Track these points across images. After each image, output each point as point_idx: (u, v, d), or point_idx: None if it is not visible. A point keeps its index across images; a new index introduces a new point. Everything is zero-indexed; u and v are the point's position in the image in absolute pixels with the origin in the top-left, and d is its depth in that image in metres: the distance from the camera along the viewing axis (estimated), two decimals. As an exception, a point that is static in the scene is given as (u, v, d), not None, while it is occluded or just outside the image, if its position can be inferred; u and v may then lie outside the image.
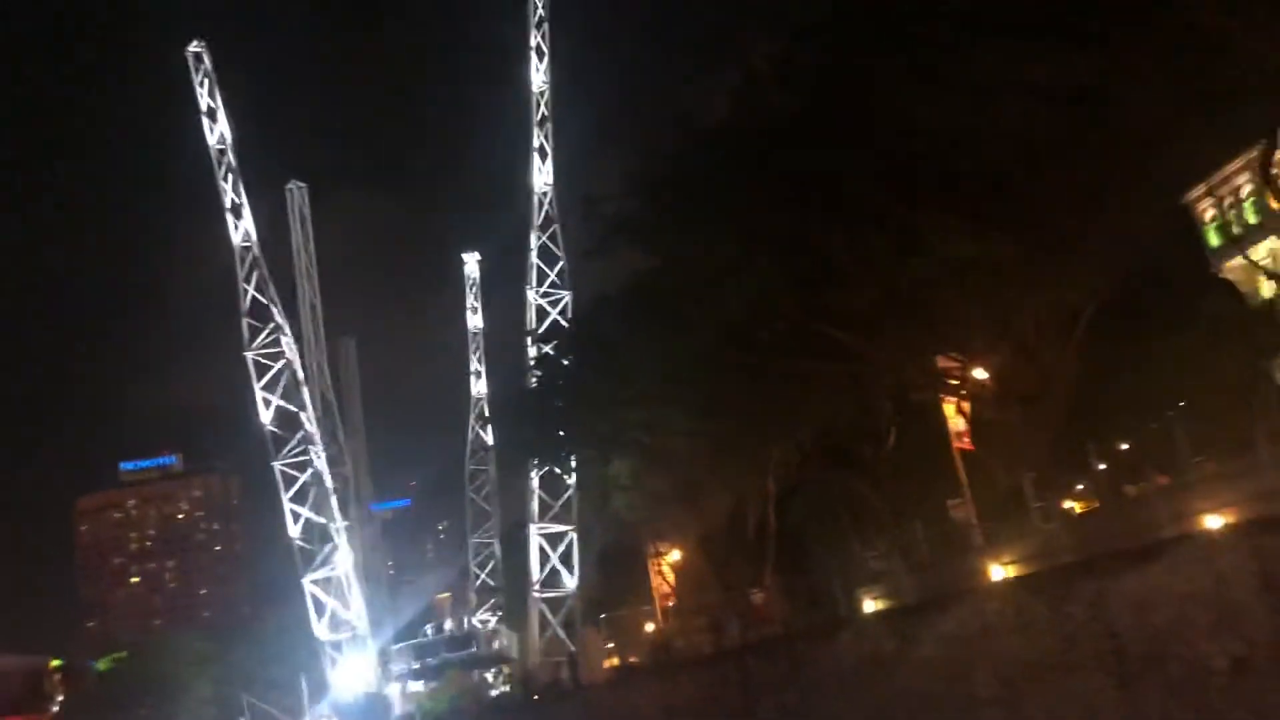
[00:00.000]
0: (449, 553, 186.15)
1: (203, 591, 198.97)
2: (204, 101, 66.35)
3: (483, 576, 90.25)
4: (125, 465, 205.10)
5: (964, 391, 35.57)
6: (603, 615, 75.82)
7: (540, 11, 67.80)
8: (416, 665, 63.86)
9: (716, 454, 46.00)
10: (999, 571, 27.78)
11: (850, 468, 43.44)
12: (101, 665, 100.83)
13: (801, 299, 30.68)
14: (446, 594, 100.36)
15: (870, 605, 34.05)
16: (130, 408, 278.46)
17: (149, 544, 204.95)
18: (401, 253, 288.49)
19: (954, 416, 37.38)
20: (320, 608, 65.71)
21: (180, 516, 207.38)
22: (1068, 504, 32.20)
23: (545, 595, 69.67)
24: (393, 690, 67.13)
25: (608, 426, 47.23)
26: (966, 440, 37.32)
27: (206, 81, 66.49)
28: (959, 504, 37.57)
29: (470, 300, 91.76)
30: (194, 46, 66.88)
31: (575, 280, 67.40)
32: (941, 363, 36.05)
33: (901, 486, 41.06)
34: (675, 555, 61.17)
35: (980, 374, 34.13)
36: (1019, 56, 25.95)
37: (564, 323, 62.42)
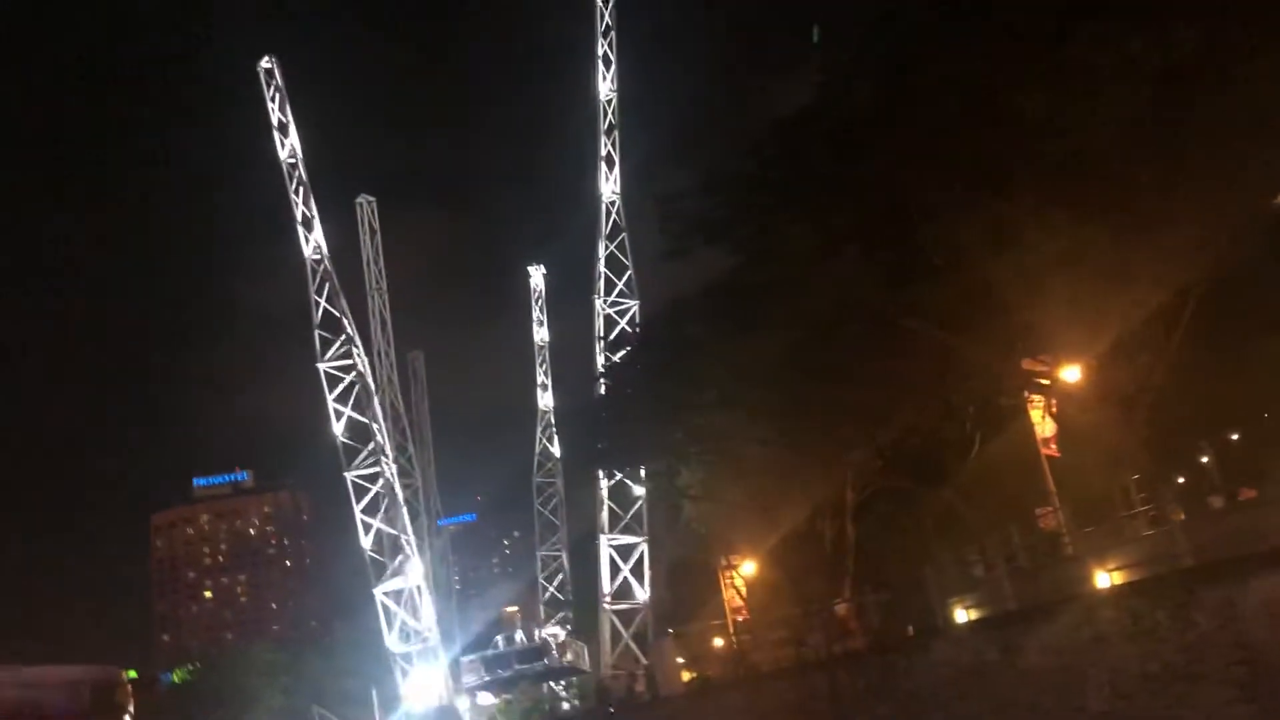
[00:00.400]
0: (514, 567, 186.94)
1: (273, 606, 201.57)
2: (275, 116, 67.09)
3: (551, 589, 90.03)
4: (198, 481, 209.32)
5: (1051, 394, 34.24)
6: (669, 630, 74.97)
7: (607, 20, 67.70)
8: (487, 677, 63.40)
9: (792, 463, 45.03)
10: (1104, 578, 26.35)
11: (932, 476, 42.10)
12: (176, 676, 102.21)
13: (888, 294, 29.59)
14: (514, 607, 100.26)
15: (964, 615, 32.68)
16: (203, 424, 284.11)
17: (221, 559, 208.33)
18: (467, 267, 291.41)
19: (1040, 421, 36.01)
20: (391, 619, 65.63)
21: (251, 532, 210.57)
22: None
23: (616, 607, 68.97)
24: (463, 703, 66.85)
25: (680, 434, 46.52)
26: (1053, 446, 35.91)
27: (278, 96, 67.28)
28: (1048, 512, 36.10)
29: (536, 313, 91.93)
30: (265, 62, 67.70)
31: (643, 289, 67.07)
32: (1027, 364, 34.72)
33: (988, 494, 39.66)
34: (747, 568, 60.16)
35: (1071, 375, 32.74)
36: (1118, 35, 24.78)
37: (632, 331, 61.86)
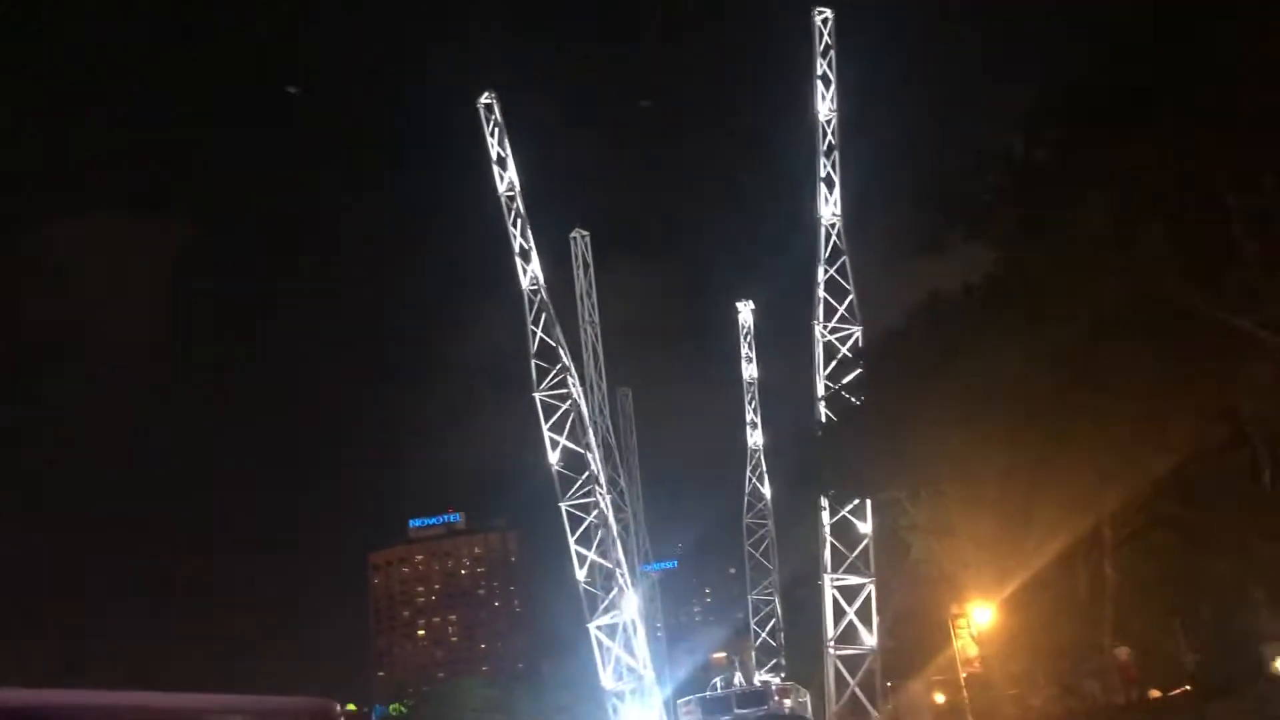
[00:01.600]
0: (715, 617, 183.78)
1: (482, 646, 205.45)
2: (494, 150, 68.22)
3: (763, 635, 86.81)
4: (413, 522, 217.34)
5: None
6: (888, 684, 70.52)
7: (826, 39, 65.67)
8: (705, 720, 60.73)
9: (1039, 494, 40.72)
10: None
11: (1219, 505, 36.96)
12: (393, 709, 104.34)
13: (1186, 281, 25.70)
14: (722, 653, 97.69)
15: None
16: (419, 466, 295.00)
17: (434, 598, 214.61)
18: (673, 304, 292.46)
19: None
20: (605, 655, 64.12)
21: (462, 572, 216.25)
22: None
23: (841, 653, 65.10)
24: (678, 746, 64.42)
25: (911, 462, 43.11)
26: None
27: (497, 131, 68.46)
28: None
29: (745, 349, 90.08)
30: (485, 98, 69.14)
31: (863, 313, 64.12)
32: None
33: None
34: (981, 614, 55.53)
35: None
36: None
37: (855, 356, 58.86)
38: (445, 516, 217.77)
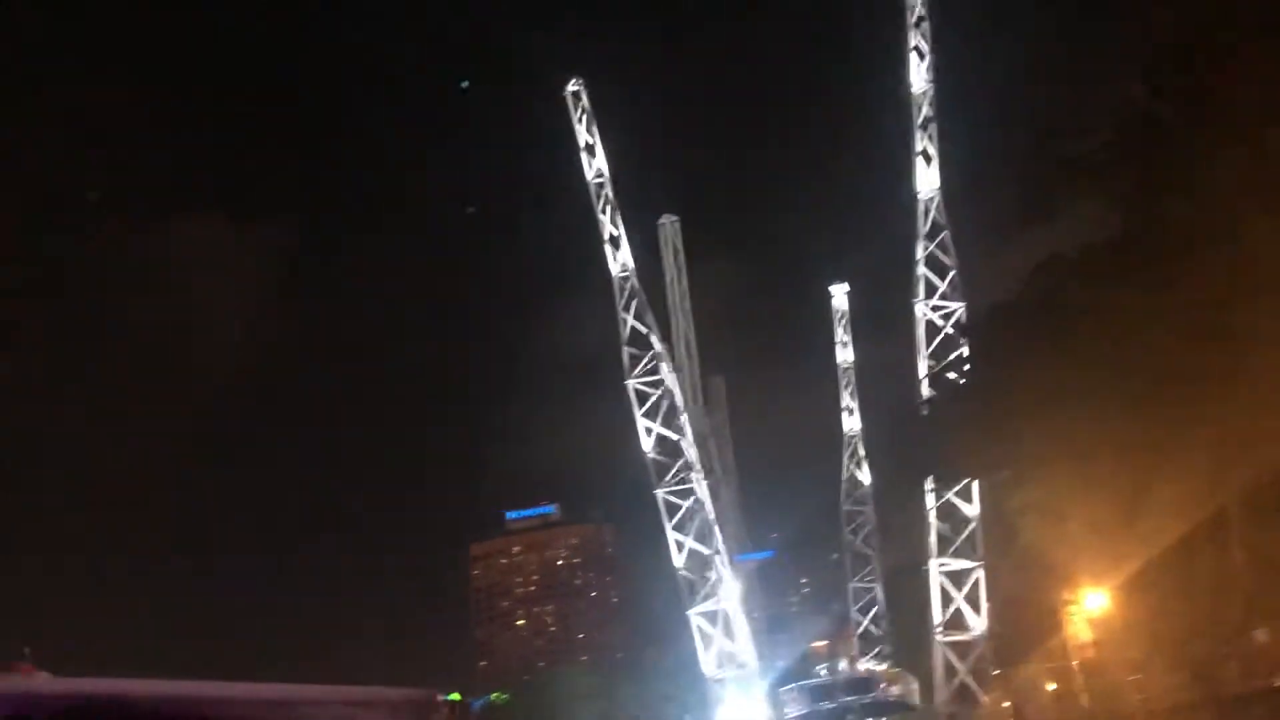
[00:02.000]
0: (813, 607, 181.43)
1: (580, 636, 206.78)
2: (582, 138, 68.11)
3: (865, 623, 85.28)
4: (510, 514, 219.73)
5: None
6: (995, 671, 68.55)
7: (920, 10, 63.91)
8: (810, 708, 59.60)
9: (1158, 472, 38.71)
10: None
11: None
12: (495, 698, 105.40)
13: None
14: (823, 642, 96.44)
15: None
16: (516, 458, 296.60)
17: (533, 589, 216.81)
18: (767, 291, 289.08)
19: None
20: (707, 642, 63.64)
21: (559, 563, 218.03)
22: None
23: (949, 639, 63.44)
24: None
25: (1020, 439, 41.51)
26: None
27: (585, 118, 68.31)
28: None
29: (840, 333, 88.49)
30: (573, 85, 69.04)
31: (965, 288, 62.23)
32: None
33: None
34: (1095, 599, 53.49)
35: None
36: None
37: (958, 333, 57.25)
38: (540, 508, 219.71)
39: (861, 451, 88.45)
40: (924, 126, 63.41)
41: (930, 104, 63.47)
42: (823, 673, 63.28)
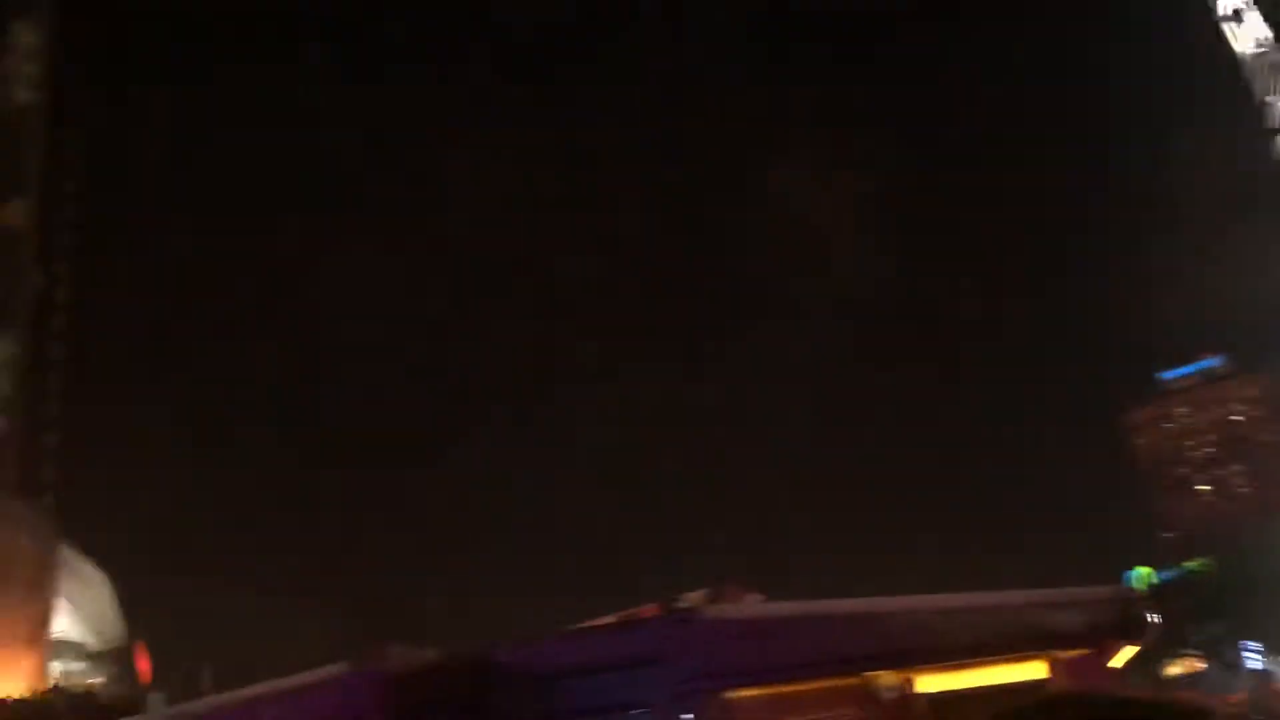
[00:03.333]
0: None
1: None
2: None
3: None
4: (1165, 374, 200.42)
5: None
6: None
7: None
8: None
9: None
10: None
11: None
12: (1194, 564, 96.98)
13: None
14: None
15: None
16: (1155, 311, 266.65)
17: (1210, 450, 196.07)
18: None
19: None
20: None
21: (1238, 418, 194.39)
22: None
23: None
24: None
25: None
26: None
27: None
28: None
29: None
30: None
31: None
32: None
33: None
34: None
35: None
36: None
37: None
38: (1201, 363, 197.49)
39: None
40: None
41: None
42: None
